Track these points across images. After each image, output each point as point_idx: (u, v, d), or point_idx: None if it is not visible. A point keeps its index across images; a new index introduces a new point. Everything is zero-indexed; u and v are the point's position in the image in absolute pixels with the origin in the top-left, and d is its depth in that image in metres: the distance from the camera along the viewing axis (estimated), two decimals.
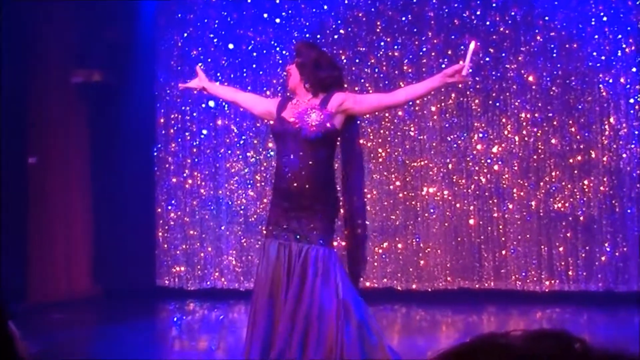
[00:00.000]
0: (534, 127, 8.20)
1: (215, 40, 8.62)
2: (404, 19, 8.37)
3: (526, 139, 8.22)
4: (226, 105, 8.45)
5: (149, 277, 8.67)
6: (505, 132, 8.27)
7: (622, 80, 8.05)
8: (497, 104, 8.27)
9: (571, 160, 8.15)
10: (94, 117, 8.76)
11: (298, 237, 4.57)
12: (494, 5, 8.24)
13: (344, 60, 8.26)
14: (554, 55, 8.16)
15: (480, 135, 8.29)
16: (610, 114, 8.08)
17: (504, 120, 8.27)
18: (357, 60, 8.41)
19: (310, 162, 4.54)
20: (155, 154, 8.76)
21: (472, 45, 4.44)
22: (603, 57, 8.06)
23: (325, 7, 8.45)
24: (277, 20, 8.51)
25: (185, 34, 8.69)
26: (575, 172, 8.14)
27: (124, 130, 8.62)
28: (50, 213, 8.45)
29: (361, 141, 7.69)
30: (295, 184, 4.55)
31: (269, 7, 8.52)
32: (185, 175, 8.71)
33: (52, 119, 8.47)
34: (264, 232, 4.88)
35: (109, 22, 8.64)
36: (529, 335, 1.16)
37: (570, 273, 8.13)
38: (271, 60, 8.52)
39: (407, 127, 8.39)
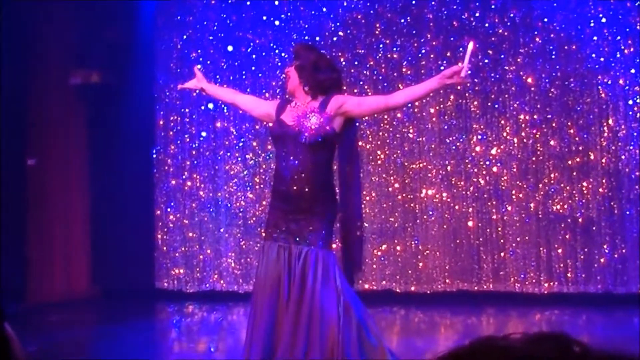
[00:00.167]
0: (533, 128, 8.20)
1: (214, 42, 8.61)
2: (402, 21, 8.36)
3: (525, 140, 8.22)
4: (225, 108, 8.45)
5: (147, 279, 8.67)
6: (504, 134, 8.27)
7: (621, 81, 8.05)
8: (496, 106, 8.27)
9: (570, 162, 8.14)
10: (93, 118, 8.78)
11: (297, 239, 4.57)
12: (492, 7, 8.24)
13: (343, 63, 8.26)
14: (553, 56, 8.16)
15: (479, 137, 8.29)
16: (609, 115, 8.08)
17: (502, 122, 8.27)
18: (356, 63, 8.41)
19: (309, 165, 4.54)
20: (154, 155, 8.75)
21: (470, 46, 4.44)
22: (602, 59, 8.07)
23: (324, 9, 8.44)
24: (276, 23, 8.51)
25: (185, 36, 8.69)
26: (574, 173, 8.14)
27: (124, 132, 8.62)
28: (50, 214, 8.45)
29: (360, 143, 7.73)
30: (294, 187, 4.55)
31: (268, 10, 8.52)
32: (184, 177, 8.70)
33: (51, 119, 8.47)
34: (263, 234, 4.87)
35: (108, 22, 8.64)
36: (528, 338, 1.17)
37: (569, 275, 8.12)
38: (270, 63, 8.52)
39: (405, 129, 8.39)
